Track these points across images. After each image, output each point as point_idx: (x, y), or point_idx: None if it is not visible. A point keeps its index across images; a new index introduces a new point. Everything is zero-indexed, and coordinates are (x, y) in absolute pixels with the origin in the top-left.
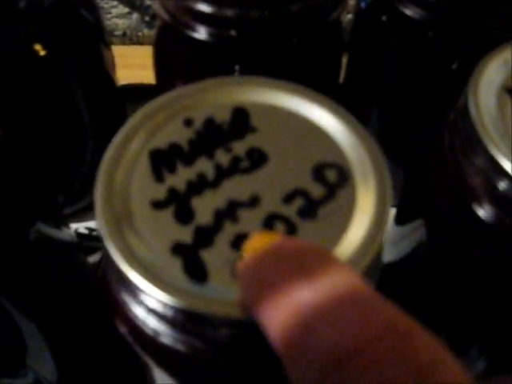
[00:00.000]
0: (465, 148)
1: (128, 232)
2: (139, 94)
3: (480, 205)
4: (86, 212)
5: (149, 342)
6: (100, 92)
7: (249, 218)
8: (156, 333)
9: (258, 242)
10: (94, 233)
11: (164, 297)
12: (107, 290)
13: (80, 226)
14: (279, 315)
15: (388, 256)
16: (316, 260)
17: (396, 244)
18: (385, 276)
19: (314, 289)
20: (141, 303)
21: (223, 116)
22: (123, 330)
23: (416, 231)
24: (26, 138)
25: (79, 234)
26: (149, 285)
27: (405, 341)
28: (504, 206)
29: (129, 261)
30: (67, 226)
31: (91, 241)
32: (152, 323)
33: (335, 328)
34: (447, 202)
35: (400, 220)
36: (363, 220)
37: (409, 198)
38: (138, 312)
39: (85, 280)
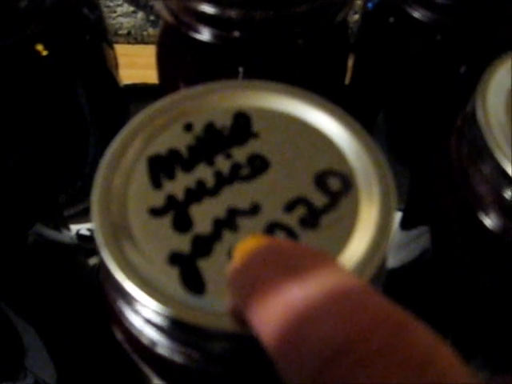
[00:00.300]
0: (472, 154)
1: (124, 240)
2: (143, 94)
3: (486, 213)
4: (88, 213)
5: (145, 351)
6: (102, 91)
7: (249, 227)
8: (152, 343)
9: (246, 246)
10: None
11: (160, 308)
12: (104, 297)
13: (82, 228)
14: (269, 315)
15: (392, 261)
16: (305, 258)
17: (400, 249)
18: (388, 282)
19: (304, 286)
20: (137, 313)
21: (224, 121)
22: (120, 337)
23: (421, 237)
24: (26, 138)
25: (81, 236)
26: (144, 295)
27: (400, 333)
28: (511, 214)
29: (124, 270)
30: (67, 227)
31: (93, 242)
32: (148, 333)
33: (327, 324)
34: (453, 210)
35: (405, 225)
36: (367, 229)
37: (414, 203)
38: (135, 321)
39: (84, 283)
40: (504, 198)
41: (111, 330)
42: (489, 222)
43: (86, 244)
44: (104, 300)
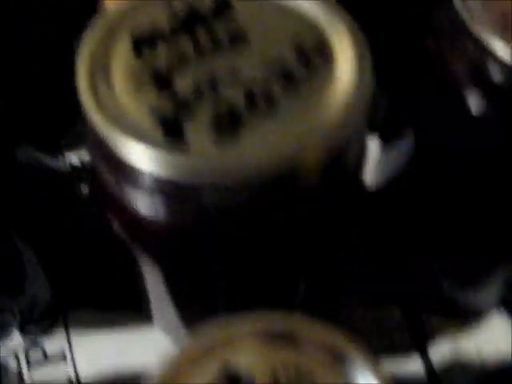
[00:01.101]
0: (450, 37)
1: (103, 88)
2: None
3: (467, 94)
4: (79, 142)
5: (135, 222)
6: None
7: (230, 92)
8: (149, 210)
9: None
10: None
11: (146, 154)
12: (95, 179)
13: (72, 156)
14: None
15: (374, 182)
16: None
17: (382, 170)
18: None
19: None
20: (126, 178)
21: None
22: (116, 225)
23: (402, 148)
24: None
25: (71, 165)
26: (127, 141)
27: None
28: (493, 93)
29: (107, 120)
30: (61, 152)
31: (83, 172)
32: (141, 202)
33: None
34: (433, 100)
35: (384, 141)
36: (344, 90)
37: (393, 115)
38: (127, 192)
39: (74, 205)
40: (485, 75)
41: (104, 242)
42: (470, 103)
43: (77, 173)
44: (95, 185)
